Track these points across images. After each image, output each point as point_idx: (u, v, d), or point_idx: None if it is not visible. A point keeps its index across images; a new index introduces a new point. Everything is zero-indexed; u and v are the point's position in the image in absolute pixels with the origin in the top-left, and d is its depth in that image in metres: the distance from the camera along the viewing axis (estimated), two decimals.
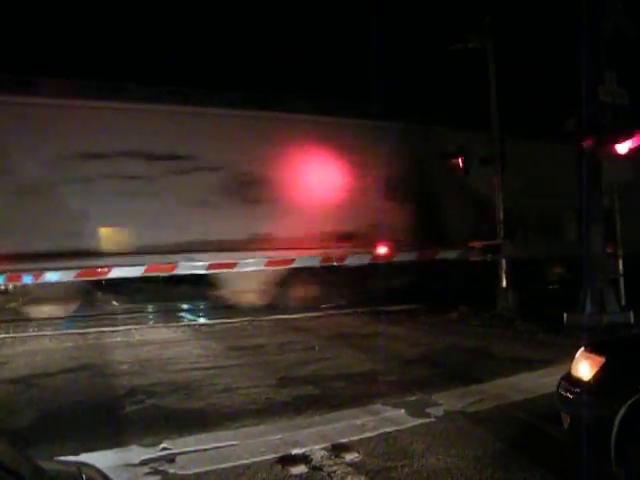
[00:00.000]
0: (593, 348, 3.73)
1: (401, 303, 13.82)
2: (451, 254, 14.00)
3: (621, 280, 10.27)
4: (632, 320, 9.63)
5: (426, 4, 17.68)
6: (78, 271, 11.36)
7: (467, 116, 13.91)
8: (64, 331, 11.41)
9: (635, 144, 9.53)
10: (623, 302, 10.13)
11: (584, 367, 3.58)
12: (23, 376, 7.41)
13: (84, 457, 3.99)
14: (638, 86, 10.48)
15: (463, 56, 12.97)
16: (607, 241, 10.24)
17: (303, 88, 15.32)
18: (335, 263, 13.14)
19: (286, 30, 18.15)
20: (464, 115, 14.11)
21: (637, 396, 3.11)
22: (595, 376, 3.47)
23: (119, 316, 14.07)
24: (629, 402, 3.11)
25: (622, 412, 3.11)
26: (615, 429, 3.11)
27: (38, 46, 17.05)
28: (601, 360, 3.49)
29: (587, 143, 9.95)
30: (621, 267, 10.32)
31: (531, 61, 15.41)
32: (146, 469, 4.09)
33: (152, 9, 18.41)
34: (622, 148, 9.59)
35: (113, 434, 4.86)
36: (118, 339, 10.64)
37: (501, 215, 12.58)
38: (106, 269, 11.55)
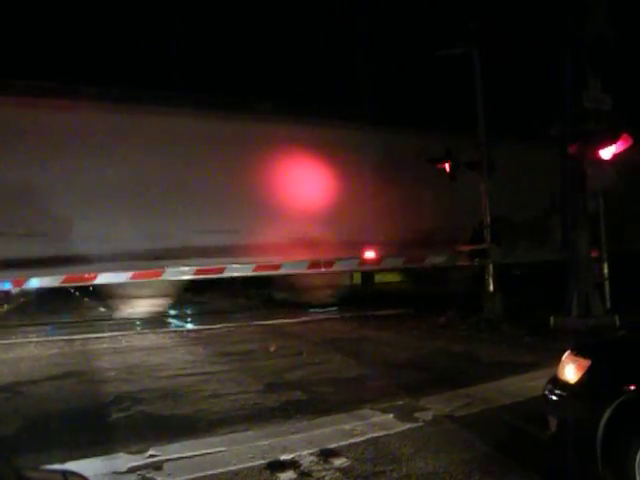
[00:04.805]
0: (579, 351, 3.76)
1: (389, 308, 13.86)
2: (439, 259, 14.06)
3: (606, 283, 10.38)
4: (617, 323, 9.73)
5: (412, 10, 17.75)
6: (63, 277, 11.24)
7: (453, 121, 14.00)
8: (49, 337, 11.29)
9: (618, 149, 9.62)
10: (608, 305, 10.24)
11: (570, 370, 3.61)
12: (8, 384, 7.32)
13: (71, 465, 3.95)
14: (622, 92, 10.61)
15: (449, 62, 13.06)
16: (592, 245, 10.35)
17: (292, 93, 15.28)
18: (323, 269, 13.13)
19: (273, 35, 18.09)
20: (451, 120, 14.19)
21: (622, 398, 3.14)
22: (581, 379, 3.50)
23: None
24: (614, 404, 3.14)
25: (607, 414, 3.14)
26: (601, 431, 3.14)
27: None
28: (587, 363, 3.52)
29: (571, 149, 10.06)
30: (606, 270, 10.43)
31: (516, 67, 15.55)
32: (133, 477, 4.06)
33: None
34: (606, 154, 9.69)
35: (100, 442, 4.81)
36: (105, 345, 10.55)
37: (488, 219, 12.66)
38: (93, 274, 11.45)
